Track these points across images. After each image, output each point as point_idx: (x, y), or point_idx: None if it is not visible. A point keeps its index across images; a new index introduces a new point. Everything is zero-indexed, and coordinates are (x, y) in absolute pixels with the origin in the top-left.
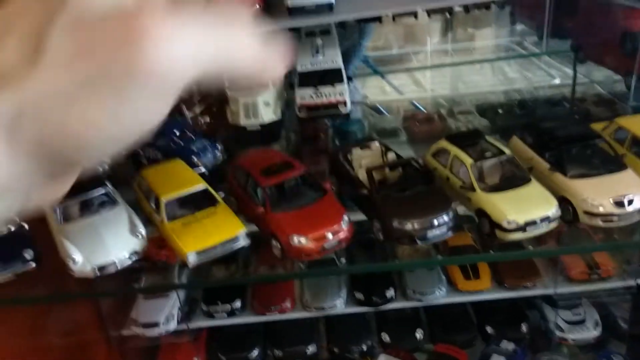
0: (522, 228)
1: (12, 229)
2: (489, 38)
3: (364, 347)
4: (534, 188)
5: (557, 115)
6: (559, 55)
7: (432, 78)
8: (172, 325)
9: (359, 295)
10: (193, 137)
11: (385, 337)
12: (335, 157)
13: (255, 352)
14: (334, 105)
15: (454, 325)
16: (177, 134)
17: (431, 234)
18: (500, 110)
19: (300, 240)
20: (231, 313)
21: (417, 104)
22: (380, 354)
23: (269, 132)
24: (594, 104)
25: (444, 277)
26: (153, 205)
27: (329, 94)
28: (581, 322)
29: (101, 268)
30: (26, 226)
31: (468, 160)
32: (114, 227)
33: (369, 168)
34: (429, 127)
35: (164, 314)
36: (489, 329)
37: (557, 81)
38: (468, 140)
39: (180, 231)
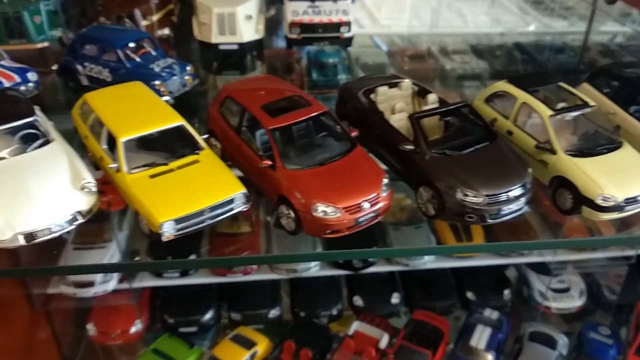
0: (620, 207)
1: None
2: None
3: (334, 312)
4: (629, 153)
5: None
6: None
7: (410, 12)
8: (111, 285)
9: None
10: (153, 52)
11: (358, 301)
12: (351, 96)
13: (208, 315)
14: (335, 26)
15: (433, 290)
16: (132, 47)
17: (507, 209)
18: (498, 53)
19: (326, 211)
20: (184, 272)
21: (378, 41)
22: (354, 321)
23: (247, 55)
24: (600, 54)
25: (433, 238)
26: (105, 147)
27: (329, 11)
28: (566, 291)
29: (29, 236)
30: None
31: (545, 112)
32: (48, 174)
33: (415, 115)
34: (420, 65)
35: None
36: (469, 295)
37: (532, 28)
38: (537, 84)
39: (149, 188)
